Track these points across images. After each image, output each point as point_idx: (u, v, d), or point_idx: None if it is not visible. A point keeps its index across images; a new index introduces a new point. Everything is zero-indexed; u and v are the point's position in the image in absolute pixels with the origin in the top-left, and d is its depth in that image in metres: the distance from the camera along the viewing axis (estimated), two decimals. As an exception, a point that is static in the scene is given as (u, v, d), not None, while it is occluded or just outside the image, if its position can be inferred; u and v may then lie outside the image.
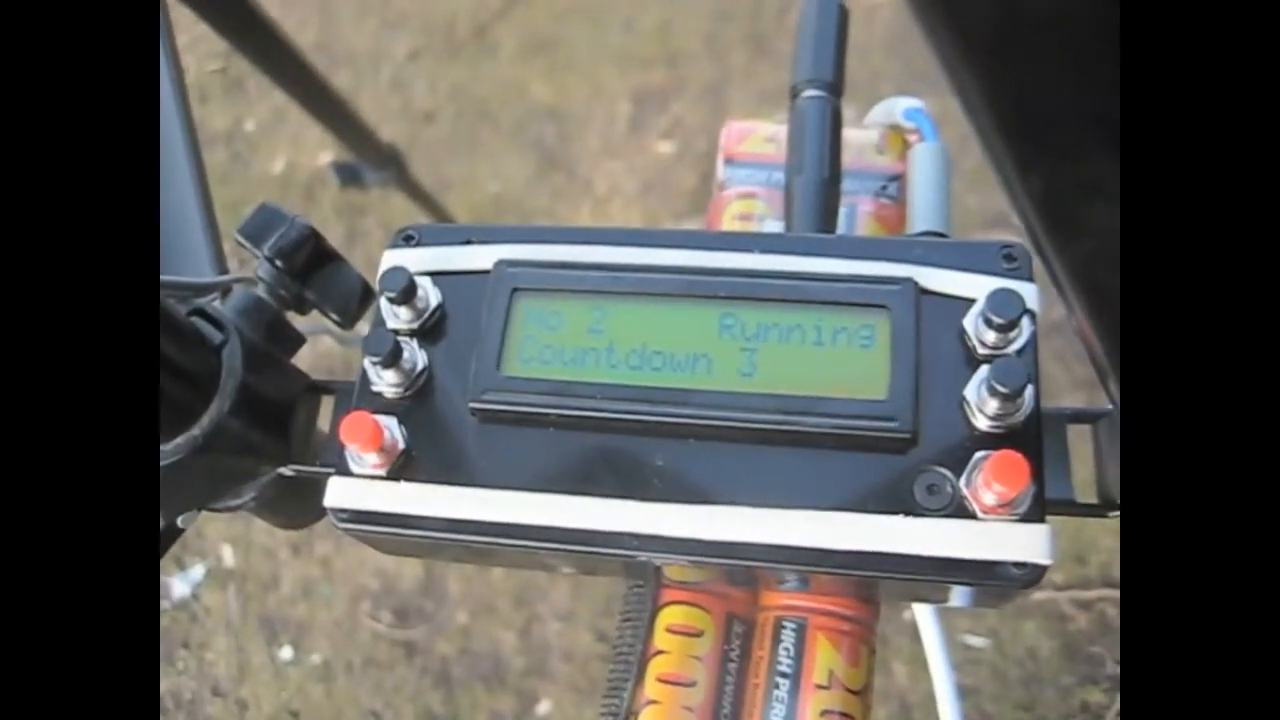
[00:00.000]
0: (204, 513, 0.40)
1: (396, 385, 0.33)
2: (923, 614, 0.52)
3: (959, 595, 0.31)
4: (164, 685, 1.26)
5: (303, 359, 0.40)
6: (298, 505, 0.43)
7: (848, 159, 0.39)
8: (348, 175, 1.10)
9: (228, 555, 1.33)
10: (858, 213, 0.42)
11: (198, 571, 1.33)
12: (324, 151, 1.61)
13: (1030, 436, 0.29)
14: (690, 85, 1.63)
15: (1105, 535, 1.14)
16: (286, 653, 1.26)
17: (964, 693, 0.80)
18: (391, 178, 1.10)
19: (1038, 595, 1.13)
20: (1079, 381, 1.20)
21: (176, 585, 1.32)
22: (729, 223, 0.43)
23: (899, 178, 0.44)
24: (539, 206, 1.54)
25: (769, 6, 1.69)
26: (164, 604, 1.31)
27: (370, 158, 1.07)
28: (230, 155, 1.67)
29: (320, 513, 0.46)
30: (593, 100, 1.65)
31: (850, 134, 0.41)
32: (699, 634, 0.35)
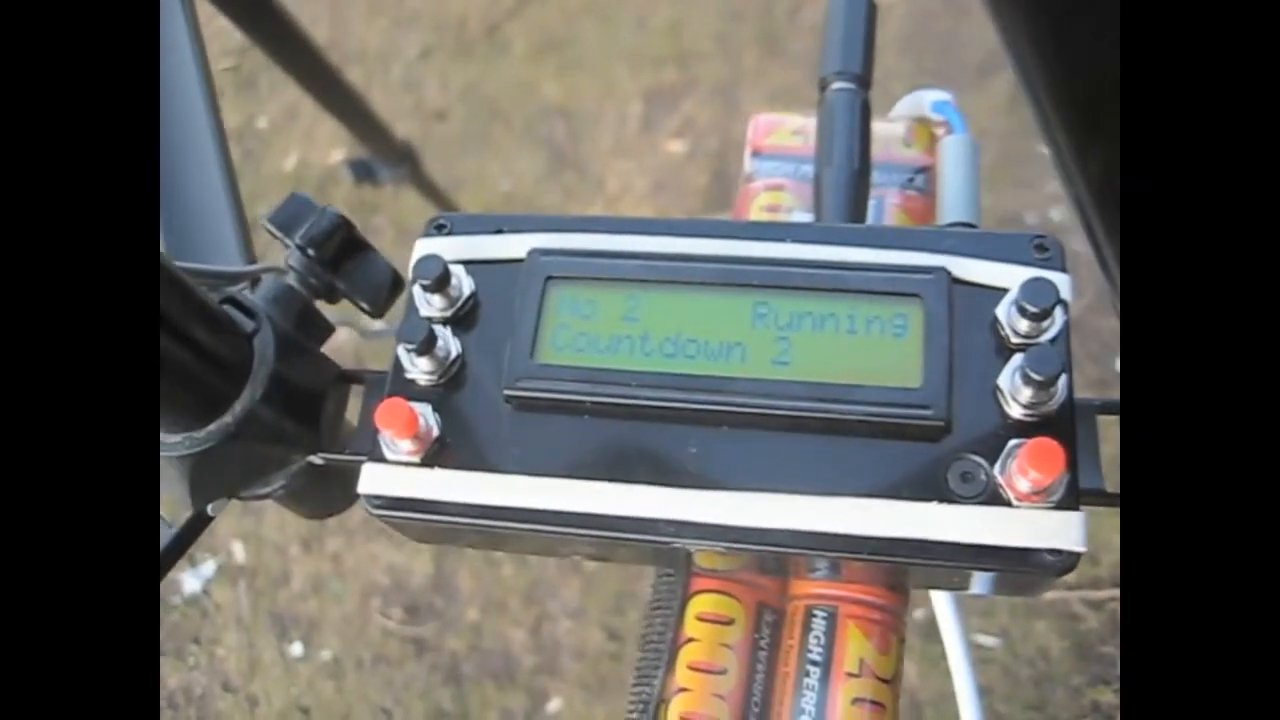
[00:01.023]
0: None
1: (430, 373, 0.33)
2: (943, 615, 0.52)
3: (988, 582, 0.31)
4: (174, 680, 1.26)
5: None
6: (324, 495, 0.43)
7: (875, 152, 0.39)
8: (362, 172, 1.11)
9: (238, 551, 1.33)
10: (885, 205, 0.43)
11: (209, 567, 1.33)
12: (336, 149, 1.62)
13: (1064, 424, 0.29)
14: (701, 85, 1.63)
15: (1117, 535, 1.14)
16: (297, 649, 1.26)
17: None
18: (406, 174, 1.10)
19: (1049, 595, 1.13)
20: (1089, 381, 1.20)
21: (187, 581, 1.32)
22: (756, 214, 0.43)
23: (926, 170, 0.44)
24: (550, 205, 1.55)
25: (780, 6, 1.69)
26: (175, 599, 1.31)
27: (385, 154, 1.07)
28: (243, 153, 1.67)
29: (345, 503, 0.46)
30: (604, 99, 1.65)
31: (877, 127, 0.41)
32: (730, 622, 0.35)
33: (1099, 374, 1.22)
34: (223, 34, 0.80)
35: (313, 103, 0.96)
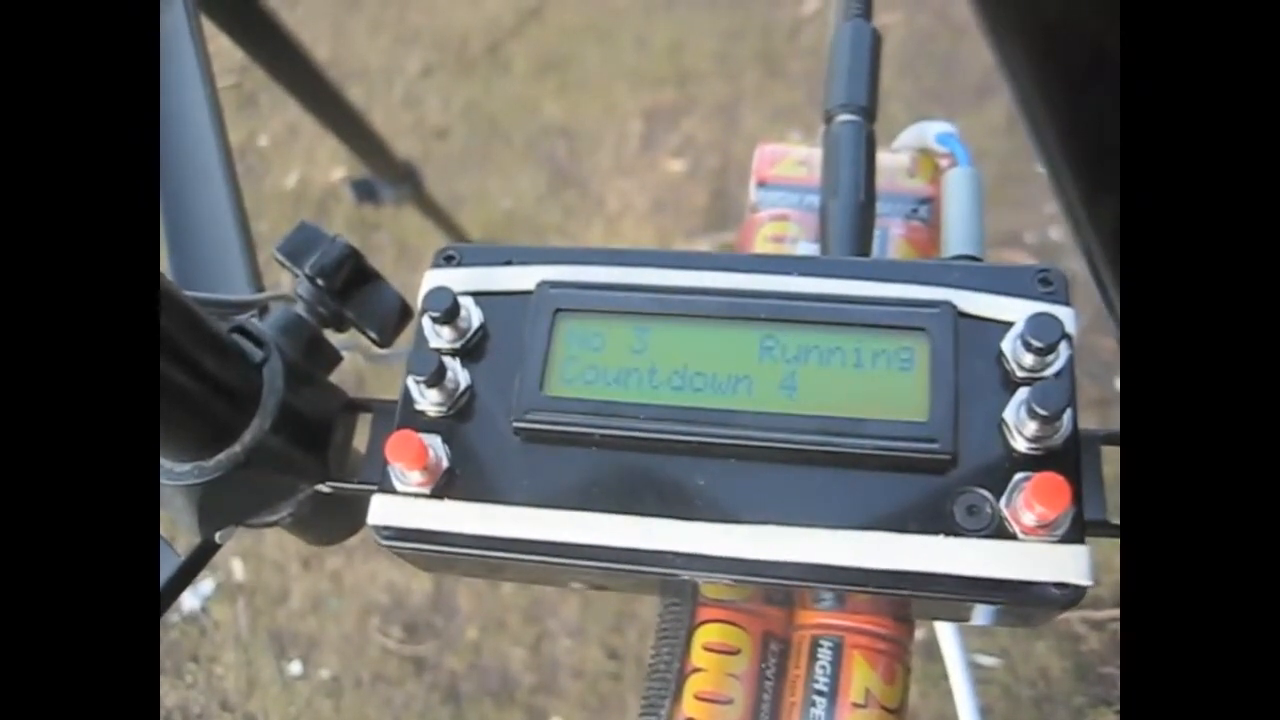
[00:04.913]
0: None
1: (439, 404, 0.33)
2: (945, 637, 0.52)
3: (992, 614, 0.31)
4: (172, 699, 1.26)
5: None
6: (330, 522, 0.43)
7: (879, 182, 0.40)
8: (364, 191, 1.11)
9: (237, 569, 1.33)
10: (889, 235, 0.43)
11: (207, 585, 1.33)
12: (336, 167, 1.62)
13: (1069, 458, 0.30)
14: (701, 104, 1.64)
15: (1118, 556, 1.14)
16: (295, 667, 1.26)
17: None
18: (407, 194, 1.11)
19: (1049, 615, 1.13)
20: (1090, 400, 1.21)
21: (186, 598, 1.32)
22: (762, 244, 0.44)
23: (930, 201, 0.44)
24: (551, 223, 1.55)
25: (780, 26, 1.70)
26: (173, 617, 1.31)
27: (386, 174, 1.08)
28: (243, 170, 1.65)
29: (351, 530, 0.46)
30: (604, 118, 1.66)
31: (881, 158, 0.41)
32: (736, 652, 0.35)
33: (1099, 394, 1.23)
34: (224, 52, 0.81)
35: (314, 121, 0.96)
